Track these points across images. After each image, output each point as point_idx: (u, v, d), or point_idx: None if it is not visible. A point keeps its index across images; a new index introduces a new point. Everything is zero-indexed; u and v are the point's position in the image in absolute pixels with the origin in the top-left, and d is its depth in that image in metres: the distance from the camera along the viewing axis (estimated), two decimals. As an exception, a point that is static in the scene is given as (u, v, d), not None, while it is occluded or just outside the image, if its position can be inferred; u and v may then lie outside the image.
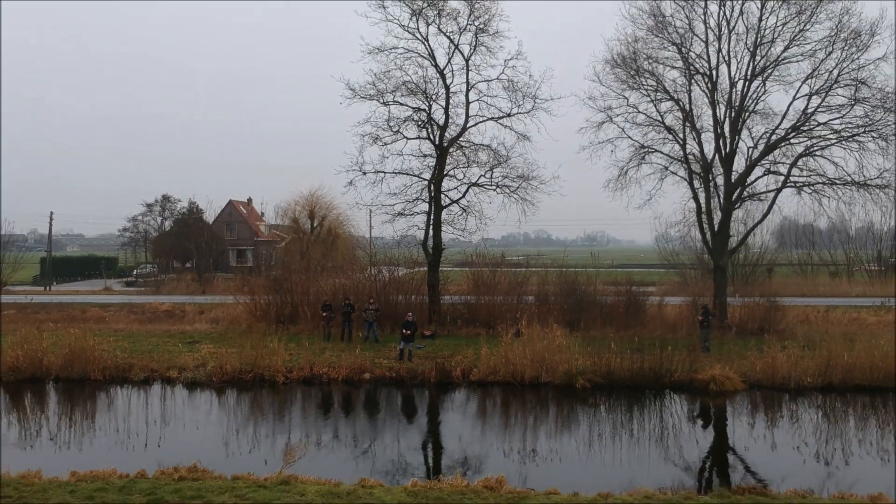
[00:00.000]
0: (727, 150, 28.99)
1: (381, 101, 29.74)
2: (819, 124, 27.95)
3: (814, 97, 27.94)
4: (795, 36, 27.57)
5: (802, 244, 65.20)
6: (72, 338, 23.71)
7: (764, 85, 28.42)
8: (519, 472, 14.12)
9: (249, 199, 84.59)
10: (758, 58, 28.19)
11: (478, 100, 30.93)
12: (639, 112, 29.48)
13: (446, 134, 30.72)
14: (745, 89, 28.66)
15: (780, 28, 27.68)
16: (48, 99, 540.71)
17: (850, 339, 23.51)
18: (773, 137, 28.84)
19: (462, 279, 36.70)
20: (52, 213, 68.36)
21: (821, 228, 62.41)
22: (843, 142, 27.40)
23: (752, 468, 15.09)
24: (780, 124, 28.32)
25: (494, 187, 30.65)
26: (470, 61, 30.41)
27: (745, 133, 29.20)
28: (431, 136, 30.77)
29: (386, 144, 30.16)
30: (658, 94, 29.12)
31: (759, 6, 27.83)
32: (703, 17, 28.78)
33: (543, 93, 30.31)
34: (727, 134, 29.04)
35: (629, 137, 30.12)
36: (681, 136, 29.35)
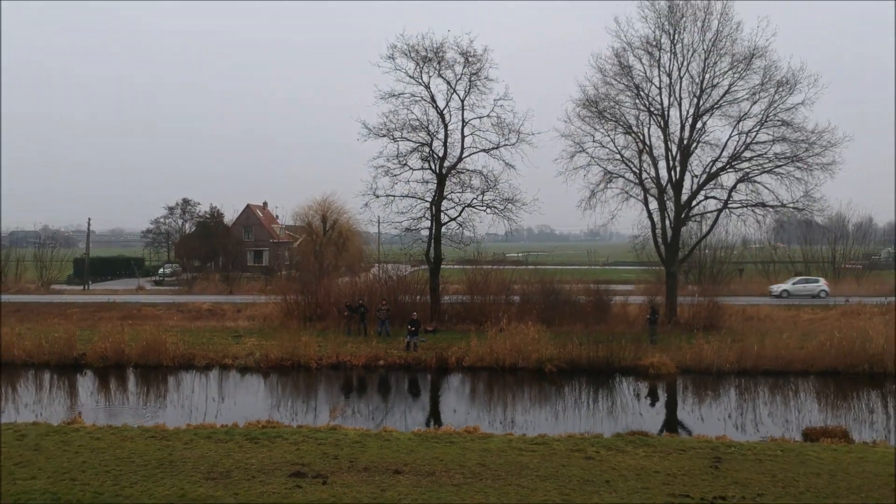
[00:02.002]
0: (677, 176, 34.76)
1: (392, 137, 35.64)
2: (752, 157, 33.78)
3: (748, 134, 33.78)
4: (732, 84, 33.42)
5: (801, 241, 68.39)
6: (147, 333, 29.88)
7: (704, 126, 34.24)
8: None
9: (265, 203, 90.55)
10: (701, 102, 34.01)
11: (471, 134, 36.68)
12: (602, 146, 35.30)
13: (445, 163, 36.50)
14: (692, 127, 34.50)
15: (719, 78, 33.55)
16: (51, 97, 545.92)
17: (762, 333, 29.43)
18: (716, 165, 34.64)
19: (460, 279, 42.02)
20: (89, 218, 74.17)
21: (818, 223, 65.70)
22: (770, 172, 33.26)
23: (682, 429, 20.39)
24: (719, 156, 34.19)
25: (485, 208, 36.51)
26: (465, 102, 36.15)
27: (692, 162, 35.05)
28: (432, 166, 36.56)
29: (395, 175, 36.03)
30: (618, 131, 34.85)
31: (703, 60, 33.69)
32: (657, 65, 34.60)
33: (525, 128, 36.19)
34: (677, 163, 34.85)
35: (598, 164, 35.93)
36: (636, 166, 35.08)
